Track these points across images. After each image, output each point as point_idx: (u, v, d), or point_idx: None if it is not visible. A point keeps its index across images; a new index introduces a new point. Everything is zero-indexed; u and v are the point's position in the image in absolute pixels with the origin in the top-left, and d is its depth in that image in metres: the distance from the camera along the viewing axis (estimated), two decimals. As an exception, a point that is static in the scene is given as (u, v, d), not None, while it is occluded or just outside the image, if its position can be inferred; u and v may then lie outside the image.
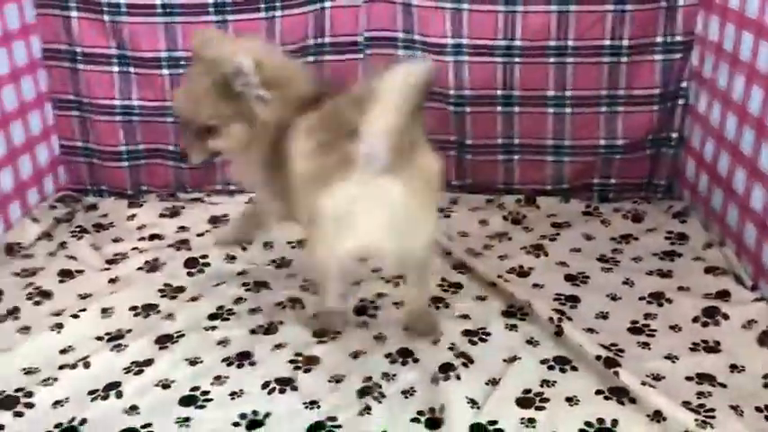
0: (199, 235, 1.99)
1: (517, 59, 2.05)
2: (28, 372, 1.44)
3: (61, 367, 1.45)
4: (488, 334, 1.55)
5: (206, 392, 1.38)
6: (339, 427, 1.29)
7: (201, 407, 1.35)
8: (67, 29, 2.05)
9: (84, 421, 1.31)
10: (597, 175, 2.17)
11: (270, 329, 1.58)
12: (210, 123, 1.48)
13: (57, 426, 1.30)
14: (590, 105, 2.09)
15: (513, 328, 1.58)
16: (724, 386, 1.38)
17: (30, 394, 1.37)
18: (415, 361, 1.47)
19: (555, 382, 1.40)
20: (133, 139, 2.18)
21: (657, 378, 1.40)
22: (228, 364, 1.46)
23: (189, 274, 1.79)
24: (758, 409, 1.31)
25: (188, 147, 1.54)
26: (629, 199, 2.16)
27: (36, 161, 2.08)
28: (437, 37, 2.05)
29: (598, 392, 1.37)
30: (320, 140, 1.34)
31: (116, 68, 2.09)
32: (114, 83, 2.10)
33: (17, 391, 1.37)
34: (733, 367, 1.43)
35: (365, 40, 2.08)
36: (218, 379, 1.42)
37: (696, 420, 1.25)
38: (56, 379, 1.41)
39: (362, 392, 1.37)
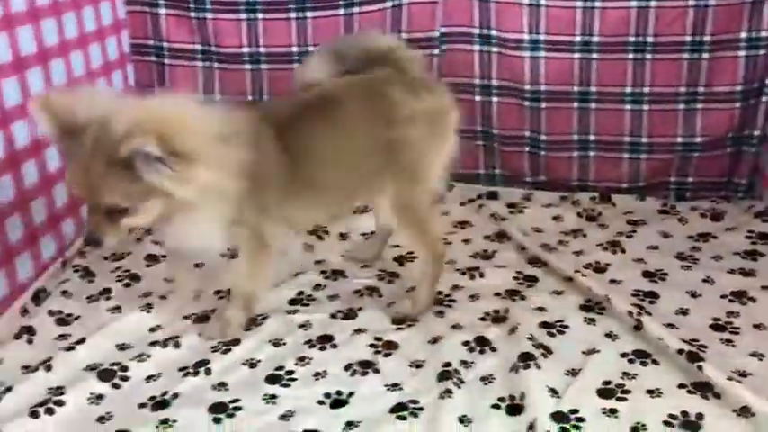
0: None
1: (595, 55, 2.05)
2: (121, 348, 1.52)
3: (152, 344, 1.52)
4: (566, 327, 1.55)
5: (290, 372, 1.43)
6: (421, 409, 1.31)
7: (286, 385, 1.39)
8: (155, 25, 2.15)
9: (176, 395, 1.37)
10: (674, 173, 2.14)
11: (349, 315, 1.62)
12: (119, 206, 1.29)
13: (150, 398, 1.37)
14: (668, 102, 2.06)
15: (591, 321, 1.57)
16: (814, 385, 1.35)
17: (125, 368, 1.44)
18: (493, 350, 1.48)
19: (636, 374, 1.39)
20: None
21: (743, 375, 1.37)
22: (311, 346, 1.51)
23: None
24: None
25: (96, 231, 1.32)
26: (707, 198, 2.13)
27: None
28: (514, 32, 2.06)
29: (681, 386, 1.35)
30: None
31: (200, 63, 2.17)
32: (198, 77, 2.19)
33: (113, 364, 1.45)
34: (822, 366, 1.40)
35: (441, 36, 2.11)
36: (302, 360, 1.46)
37: (787, 417, 1.23)
38: (148, 355, 1.48)
39: (442, 377, 1.39)
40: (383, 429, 1.26)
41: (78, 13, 1.89)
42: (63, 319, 1.63)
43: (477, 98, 2.15)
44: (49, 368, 1.43)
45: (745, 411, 1.27)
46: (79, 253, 1.89)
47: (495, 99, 2.15)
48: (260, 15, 2.10)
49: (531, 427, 1.24)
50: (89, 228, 1.34)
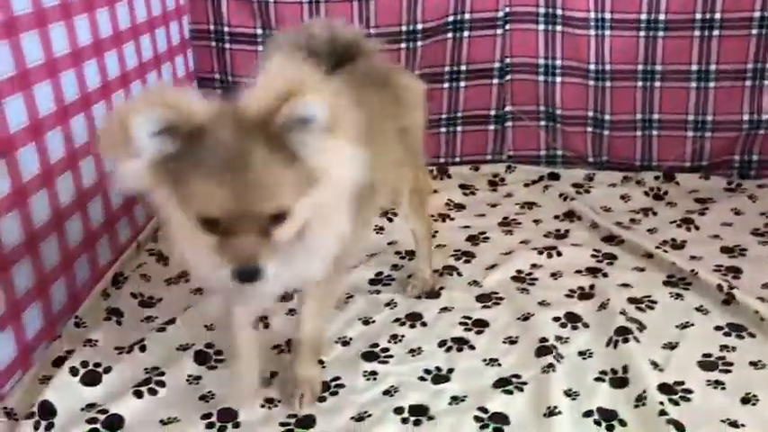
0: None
1: (661, 33, 2.03)
2: (210, 328, 1.51)
3: (240, 325, 1.51)
4: (654, 302, 1.54)
5: (385, 350, 1.43)
6: (525, 383, 1.31)
7: (384, 362, 1.39)
8: (216, 9, 2.14)
9: (274, 373, 1.37)
10: (739, 151, 2.13)
11: (431, 294, 1.61)
12: (283, 209, 0.99)
13: (250, 376, 1.36)
14: (735, 79, 2.05)
15: (678, 296, 1.56)
16: None
17: (219, 353, 1.43)
18: (585, 325, 1.48)
19: (734, 347, 1.39)
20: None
21: (842, 344, 1.37)
22: (401, 324, 1.50)
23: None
24: None
25: (256, 257, 0.97)
26: (772, 176, 2.12)
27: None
28: (579, 11, 2.05)
29: (782, 357, 1.35)
30: None
31: (261, 48, 2.16)
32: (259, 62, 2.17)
33: (207, 346, 1.44)
34: None
35: (505, 16, 2.10)
36: (395, 337, 1.46)
37: None
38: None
39: (541, 352, 1.38)
40: (490, 401, 1.26)
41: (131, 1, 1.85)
42: (146, 302, 1.63)
43: (541, 78, 2.14)
44: (143, 349, 1.43)
45: None
46: (152, 237, 1.89)
47: (558, 79, 2.14)
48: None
49: (640, 398, 1.24)
50: (242, 256, 0.97)
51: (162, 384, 1.33)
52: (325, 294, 1.29)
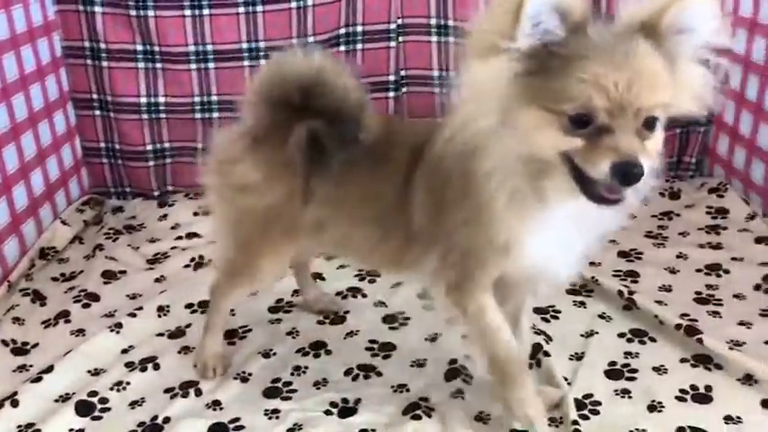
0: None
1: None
2: (94, 373, 1.38)
3: (128, 366, 1.39)
4: (558, 311, 1.54)
5: (288, 383, 1.34)
6: (432, 409, 1.26)
7: (286, 398, 1.31)
8: (90, 25, 1.99)
9: (167, 419, 1.26)
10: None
11: (335, 320, 1.54)
12: (664, 107, 0.96)
13: (140, 424, 1.25)
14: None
15: (581, 305, 1.57)
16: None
17: (104, 400, 1.30)
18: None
19: (638, 353, 1.40)
20: (159, 137, 2.11)
21: (738, 344, 1.40)
22: (304, 354, 1.42)
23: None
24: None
25: (636, 150, 0.91)
26: (660, 178, 2.18)
27: (62, 163, 2.01)
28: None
29: (683, 360, 1.37)
30: None
31: (141, 65, 2.03)
32: (140, 79, 2.04)
33: (90, 394, 1.31)
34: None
35: (398, 28, 2.06)
36: (298, 369, 1.38)
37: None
38: (128, 383, 1.35)
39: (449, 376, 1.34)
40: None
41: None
42: (20, 349, 1.47)
43: (436, 90, 2.12)
44: (15, 404, 1.28)
45: (748, 379, 1.29)
46: (25, 275, 1.72)
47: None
48: (206, 12, 1.98)
49: (553, 420, 1.22)
50: (628, 150, 0.89)
51: (37, 443, 1.20)
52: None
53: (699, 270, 1.69)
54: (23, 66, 1.80)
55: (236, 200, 1.25)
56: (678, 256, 1.75)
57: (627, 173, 0.90)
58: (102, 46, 2.00)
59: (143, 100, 2.05)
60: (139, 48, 2.01)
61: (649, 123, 0.93)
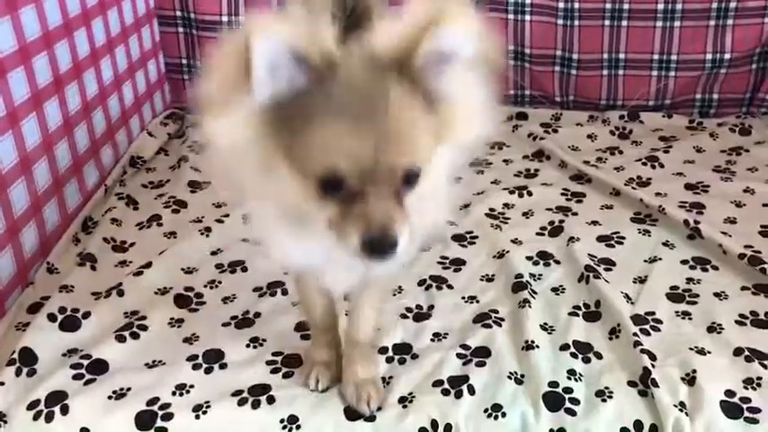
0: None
1: (629, -29, 2.04)
2: (188, 271, 1.51)
3: (218, 267, 1.51)
4: (623, 238, 1.60)
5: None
6: (502, 319, 1.35)
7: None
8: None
9: (258, 314, 1.38)
10: (700, 90, 2.17)
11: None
12: (419, 166, 0.84)
13: (233, 317, 1.37)
14: (699, 19, 2.07)
15: (645, 233, 1.62)
16: None
17: (200, 295, 1.43)
18: (557, 262, 1.52)
19: (699, 279, 1.45)
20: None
21: (800, 277, 1.44)
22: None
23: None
24: None
25: (392, 224, 0.81)
26: (731, 114, 2.17)
27: (148, 77, 2.11)
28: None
29: (743, 288, 1.42)
30: None
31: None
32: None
33: (186, 289, 1.44)
34: None
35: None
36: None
37: None
38: (220, 282, 1.47)
39: (515, 288, 1.42)
40: (470, 336, 1.30)
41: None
42: (119, 246, 1.60)
43: (510, 17, 2.13)
44: (121, 293, 1.42)
45: (809, 309, 1.34)
46: (119, 181, 1.85)
47: (527, 17, 2.13)
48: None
49: (614, 331, 1.30)
50: (376, 223, 0.80)
51: (144, 328, 1.33)
52: (387, 287, 1.17)
53: (765, 205, 1.71)
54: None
55: None
56: (745, 191, 1.77)
57: (375, 248, 0.80)
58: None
59: (224, 18, 2.12)
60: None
61: (410, 179, 0.83)
